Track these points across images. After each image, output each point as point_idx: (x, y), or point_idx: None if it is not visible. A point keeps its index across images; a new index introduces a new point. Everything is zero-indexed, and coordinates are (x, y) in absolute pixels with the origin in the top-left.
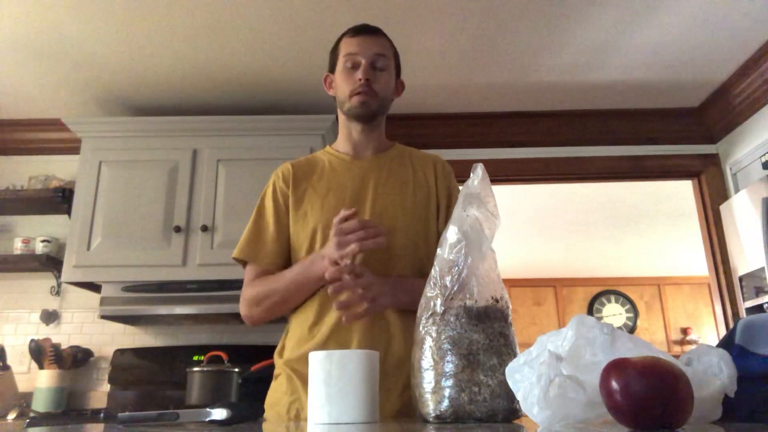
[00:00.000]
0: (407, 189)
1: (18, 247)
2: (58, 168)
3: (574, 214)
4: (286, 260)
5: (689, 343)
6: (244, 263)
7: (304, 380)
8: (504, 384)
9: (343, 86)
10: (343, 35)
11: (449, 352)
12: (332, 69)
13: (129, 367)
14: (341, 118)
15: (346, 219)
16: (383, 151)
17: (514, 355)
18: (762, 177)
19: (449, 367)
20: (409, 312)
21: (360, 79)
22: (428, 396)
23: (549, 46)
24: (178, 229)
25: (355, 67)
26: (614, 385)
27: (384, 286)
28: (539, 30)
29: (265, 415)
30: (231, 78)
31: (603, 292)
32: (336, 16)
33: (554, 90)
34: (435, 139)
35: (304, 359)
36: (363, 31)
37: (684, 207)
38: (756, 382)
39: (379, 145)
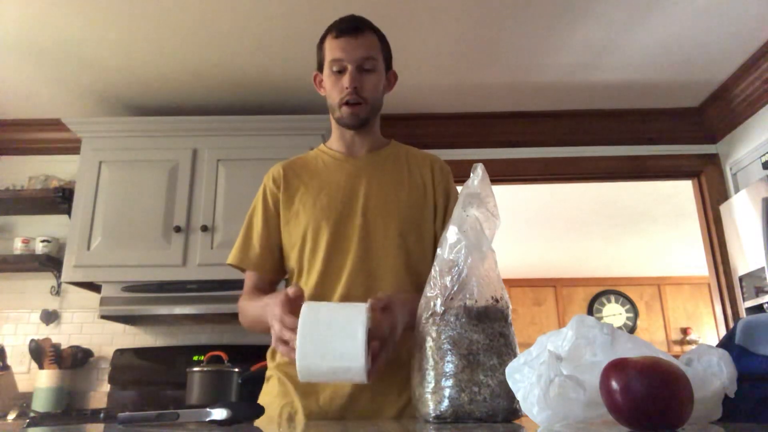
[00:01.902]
0: (402, 188)
1: (18, 247)
2: (58, 168)
3: (574, 214)
4: (276, 264)
5: (689, 343)
6: (240, 269)
7: (296, 383)
8: (504, 384)
9: (331, 93)
10: (327, 33)
11: (449, 352)
12: (320, 67)
13: (129, 367)
14: (333, 119)
15: (292, 298)
16: (378, 149)
17: (514, 355)
18: (762, 177)
19: (449, 367)
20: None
21: (347, 88)
22: (428, 396)
23: (549, 46)
24: (178, 229)
25: (341, 72)
26: (614, 385)
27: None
28: (539, 30)
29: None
30: (231, 78)
31: (603, 292)
32: (335, 16)
33: (554, 90)
34: (435, 139)
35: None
36: (346, 31)
37: (684, 207)
38: (756, 382)
39: (374, 143)
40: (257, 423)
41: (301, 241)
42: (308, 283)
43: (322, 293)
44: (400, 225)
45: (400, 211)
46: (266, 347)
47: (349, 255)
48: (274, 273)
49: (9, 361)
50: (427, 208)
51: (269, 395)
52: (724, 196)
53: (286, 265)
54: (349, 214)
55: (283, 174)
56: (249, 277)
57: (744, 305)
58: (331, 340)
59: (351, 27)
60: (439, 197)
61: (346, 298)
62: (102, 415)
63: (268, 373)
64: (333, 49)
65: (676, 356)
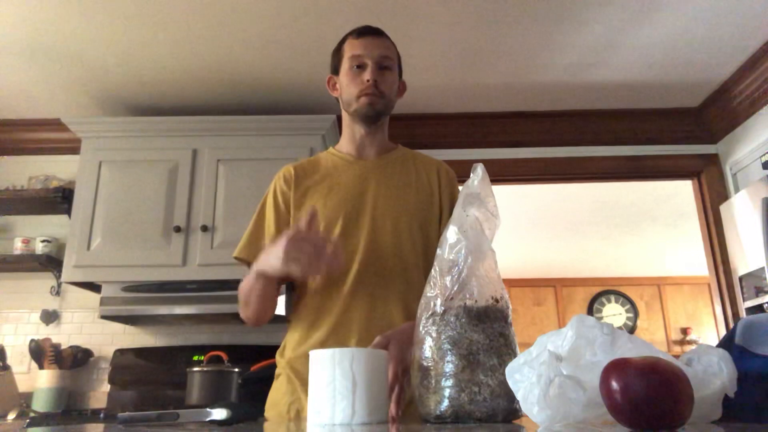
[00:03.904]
0: (409, 190)
1: (18, 247)
2: (58, 168)
3: (574, 214)
4: None
5: (689, 343)
6: (247, 263)
7: (303, 380)
8: (504, 384)
9: (349, 88)
10: (346, 37)
11: (449, 352)
12: (335, 71)
13: (129, 367)
14: (345, 118)
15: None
16: (387, 152)
17: (514, 355)
18: (762, 177)
19: (449, 367)
20: (411, 313)
21: (368, 81)
22: (428, 396)
23: (549, 46)
24: (178, 229)
25: (361, 68)
26: (614, 385)
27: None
28: (539, 30)
29: (266, 415)
30: (231, 78)
31: (603, 292)
32: (336, 17)
33: (554, 90)
34: (435, 139)
35: (303, 358)
36: (367, 32)
37: (684, 207)
38: (756, 382)
39: (383, 146)
40: (267, 417)
41: None
42: (315, 281)
43: (328, 292)
44: (408, 226)
45: (408, 212)
46: (267, 347)
47: (357, 255)
48: None
49: (9, 361)
50: (434, 211)
51: (278, 392)
52: (724, 196)
53: None
54: (358, 215)
55: (294, 174)
56: None
57: (744, 305)
58: (366, 389)
59: (371, 29)
60: (444, 201)
61: (352, 297)
62: (102, 415)
63: (277, 370)
64: (354, 47)
65: (676, 356)
